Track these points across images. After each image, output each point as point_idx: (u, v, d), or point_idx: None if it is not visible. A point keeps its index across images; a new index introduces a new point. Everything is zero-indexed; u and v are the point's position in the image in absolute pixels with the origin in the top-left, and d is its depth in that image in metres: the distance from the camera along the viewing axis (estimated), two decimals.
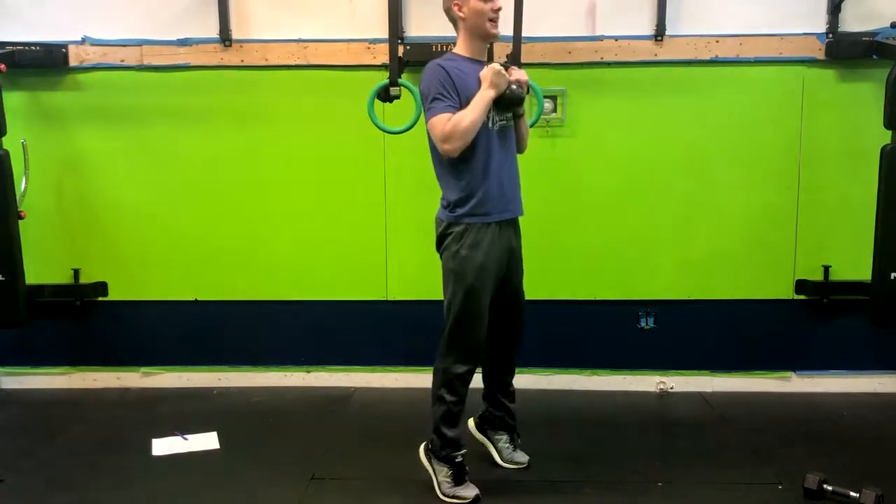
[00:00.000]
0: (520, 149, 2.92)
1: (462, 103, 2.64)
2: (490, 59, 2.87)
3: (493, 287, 2.76)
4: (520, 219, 2.87)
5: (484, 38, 2.75)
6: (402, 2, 3.59)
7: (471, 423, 3.08)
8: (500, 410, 3.03)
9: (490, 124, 2.70)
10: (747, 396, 3.84)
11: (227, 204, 3.84)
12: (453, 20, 2.76)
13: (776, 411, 3.65)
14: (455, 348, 2.74)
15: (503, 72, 2.66)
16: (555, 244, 3.80)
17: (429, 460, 2.84)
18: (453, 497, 2.74)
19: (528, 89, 2.84)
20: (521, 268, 2.93)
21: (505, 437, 3.05)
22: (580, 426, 3.48)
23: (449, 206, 2.73)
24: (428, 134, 2.70)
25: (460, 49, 2.77)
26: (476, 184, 2.69)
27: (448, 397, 2.74)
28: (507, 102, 2.71)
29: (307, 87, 3.74)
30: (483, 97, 2.62)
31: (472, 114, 2.60)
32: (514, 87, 2.70)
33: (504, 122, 2.76)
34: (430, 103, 2.64)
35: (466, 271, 2.68)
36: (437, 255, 2.81)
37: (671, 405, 3.76)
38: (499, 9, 2.70)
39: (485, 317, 2.74)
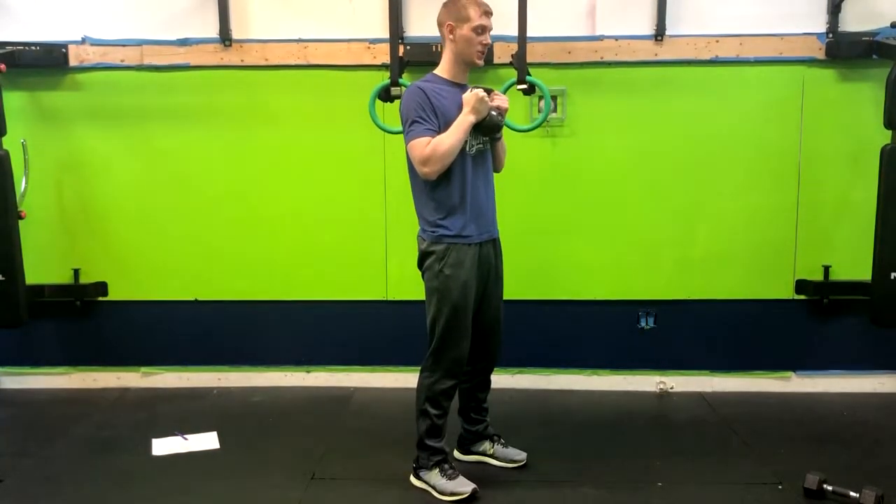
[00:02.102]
0: (497, 168, 2.96)
1: (441, 127, 2.66)
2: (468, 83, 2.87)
3: (475, 304, 2.80)
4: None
5: (468, 64, 2.78)
6: (402, 2, 3.59)
7: (456, 453, 3.09)
8: (475, 425, 3.07)
9: (467, 148, 2.73)
10: (747, 396, 3.83)
11: (227, 204, 3.84)
12: (442, 38, 2.77)
13: (776, 411, 3.65)
14: (440, 365, 2.77)
15: (485, 98, 2.69)
16: (554, 244, 3.80)
17: (418, 477, 2.86)
18: (451, 494, 2.75)
19: (532, 89, 2.84)
20: (501, 286, 2.96)
21: (487, 443, 3.07)
22: (580, 426, 3.48)
23: (429, 226, 2.76)
24: (407, 156, 2.74)
25: (442, 70, 2.79)
26: (454, 207, 2.73)
27: (433, 411, 2.79)
28: (487, 128, 2.75)
29: (307, 87, 3.74)
30: (463, 122, 2.66)
31: (451, 138, 2.64)
32: (493, 113, 2.72)
33: (481, 145, 2.80)
34: (409, 126, 2.67)
35: (451, 289, 2.72)
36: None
37: (671, 405, 3.76)
38: (488, 43, 2.74)
39: (468, 333, 2.79)
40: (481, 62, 2.77)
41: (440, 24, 2.75)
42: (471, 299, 2.77)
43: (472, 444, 3.08)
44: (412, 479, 2.88)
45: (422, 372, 2.82)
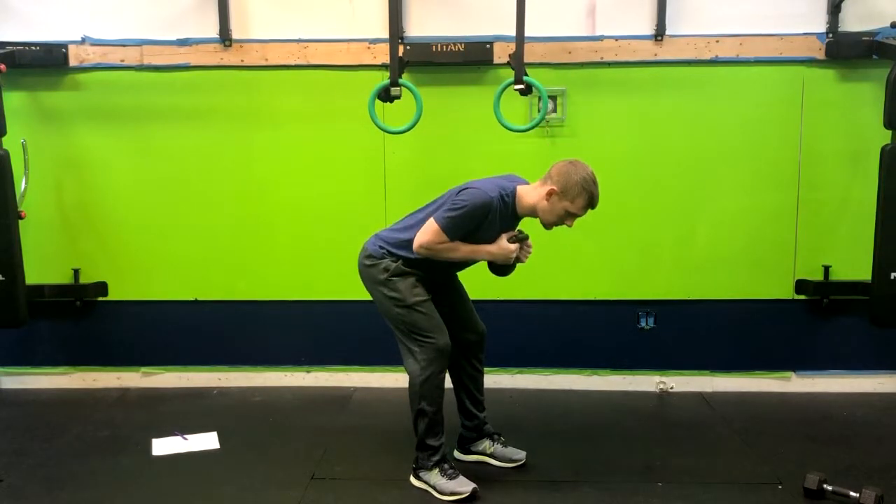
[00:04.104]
0: None
1: (472, 233, 2.67)
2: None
3: (434, 293, 2.83)
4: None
5: (536, 218, 2.78)
6: (402, 2, 3.59)
7: (456, 453, 3.09)
8: (472, 419, 3.07)
9: None
10: (747, 396, 3.83)
11: (226, 204, 3.84)
12: (544, 182, 2.72)
13: (776, 411, 3.65)
14: (426, 361, 2.76)
15: (512, 256, 2.71)
16: (554, 244, 3.78)
17: (418, 478, 2.86)
18: (451, 494, 2.75)
19: (529, 90, 2.84)
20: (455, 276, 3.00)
21: (488, 443, 3.07)
22: (580, 426, 3.48)
23: (387, 249, 2.79)
24: (440, 200, 2.75)
25: (522, 200, 2.73)
26: (429, 269, 2.78)
27: (429, 408, 2.78)
28: (495, 269, 2.83)
29: (307, 87, 3.74)
30: (481, 254, 2.72)
31: (460, 255, 2.71)
32: (511, 263, 2.77)
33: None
34: (451, 214, 2.64)
35: (401, 290, 2.75)
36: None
37: (671, 405, 3.77)
38: (566, 225, 2.75)
39: (439, 321, 2.79)
40: (549, 228, 2.79)
41: (550, 175, 2.70)
42: (424, 295, 2.78)
43: (471, 444, 3.08)
44: (412, 479, 2.88)
45: (411, 379, 2.80)
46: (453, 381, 3.02)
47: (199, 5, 3.71)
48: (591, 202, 2.70)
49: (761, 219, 3.77)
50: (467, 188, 2.68)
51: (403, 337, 2.80)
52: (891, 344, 3.81)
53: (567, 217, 2.71)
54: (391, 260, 2.78)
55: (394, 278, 2.76)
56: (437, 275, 2.85)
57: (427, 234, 2.67)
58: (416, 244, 2.69)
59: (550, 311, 3.86)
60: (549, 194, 2.67)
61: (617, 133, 3.74)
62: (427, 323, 2.75)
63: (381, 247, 2.81)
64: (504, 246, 2.70)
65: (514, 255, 2.72)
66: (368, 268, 2.82)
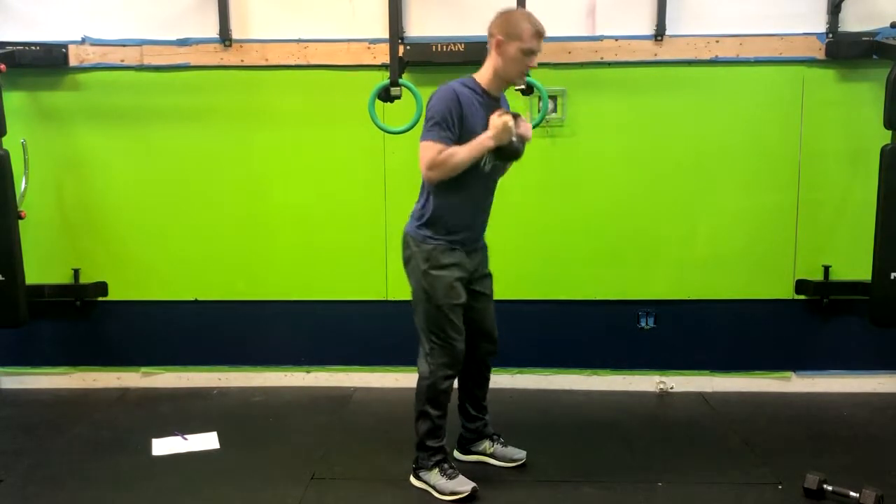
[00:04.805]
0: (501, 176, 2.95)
1: (462, 134, 2.63)
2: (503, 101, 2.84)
3: (465, 299, 2.79)
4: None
5: (507, 82, 2.75)
6: (402, 2, 3.59)
7: (456, 454, 3.09)
8: (474, 422, 3.06)
9: (482, 164, 2.70)
10: (747, 396, 3.83)
11: (227, 204, 3.84)
12: (488, 47, 2.70)
13: (776, 411, 3.65)
14: (438, 366, 2.76)
15: (511, 128, 2.64)
16: (554, 244, 3.80)
17: (418, 478, 2.86)
18: (451, 494, 2.75)
19: (530, 90, 2.83)
20: (490, 282, 2.95)
21: (488, 443, 3.07)
22: (580, 426, 3.48)
23: (419, 225, 2.75)
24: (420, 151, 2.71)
25: (482, 78, 2.72)
26: (453, 217, 2.73)
27: (434, 412, 2.78)
28: (505, 155, 2.72)
29: (307, 87, 3.74)
30: (482, 144, 2.63)
31: (464, 155, 2.61)
32: (515, 140, 2.68)
33: (497, 163, 2.78)
34: (430, 125, 2.63)
35: (437, 289, 2.72)
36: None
37: (671, 405, 3.76)
38: (534, 66, 2.69)
39: (462, 331, 2.78)
40: (522, 83, 2.75)
41: (489, 34, 2.68)
42: (458, 299, 2.75)
43: (471, 444, 3.08)
44: (412, 479, 2.88)
45: (420, 376, 2.81)
46: (459, 385, 3.02)
47: (199, 5, 3.71)
48: (536, 27, 2.63)
49: (761, 219, 3.77)
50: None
51: (422, 333, 2.79)
52: (891, 344, 3.81)
53: (526, 57, 2.64)
54: (429, 243, 2.72)
55: (433, 272, 2.71)
56: (469, 234, 2.78)
57: (423, 154, 2.62)
58: (422, 172, 2.64)
59: (550, 311, 3.85)
60: (498, 45, 2.64)
61: (617, 133, 3.74)
62: (449, 328, 2.74)
63: (416, 227, 2.77)
64: (495, 121, 2.62)
65: (511, 127, 2.63)
66: (408, 256, 2.79)
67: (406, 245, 2.80)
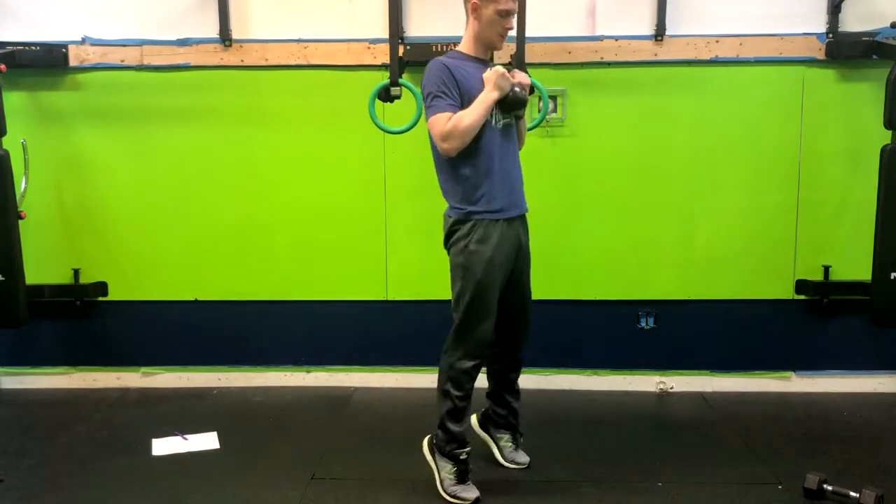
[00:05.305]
0: (518, 145, 2.92)
1: (464, 103, 2.64)
2: (492, 60, 2.87)
3: (502, 282, 2.75)
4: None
5: (488, 46, 2.76)
6: (402, 2, 3.59)
7: (473, 419, 3.07)
8: (504, 408, 3.02)
9: (493, 122, 2.70)
10: (747, 396, 3.84)
11: (226, 204, 3.84)
12: (466, 13, 2.73)
13: (776, 411, 3.65)
14: (463, 343, 2.73)
15: (507, 75, 2.65)
16: (554, 244, 3.80)
17: (432, 455, 2.84)
18: (454, 497, 2.74)
19: (531, 90, 2.84)
20: (529, 264, 2.92)
21: (507, 436, 3.04)
22: (580, 426, 3.48)
23: (456, 202, 2.73)
24: (429, 131, 2.70)
25: (464, 47, 2.77)
26: (482, 182, 2.69)
27: (454, 392, 2.73)
28: (510, 105, 2.71)
29: (307, 87, 3.74)
30: (486, 99, 2.62)
31: (472, 115, 2.60)
32: (517, 89, 2.69)
33: (507, 119, 2.76)
34: (430, 101, 2.64)
35: (475, 266, 2.68)
36: (443, 253, 2.81)
37: (671, 405, 3.77)
38: (511, 27, 2.71)
39: (493, 312, 2.73)
40: (501, 46, 2.74)
41: (465, 1, 2.71)
42: (497, 278, 2.71)
43: (493, 426, 3.04)
44: (425, 447, 2.85)
45: (444, 351, 2.77)
46: (490, 374, 2.99)
47: (199, 5, 3.71)
48: None
49: (761, 219, 3.77)
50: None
51: (453, 310, 2.76)
52: (891, 344, 3.81)
53: (502, 19, 2.66)
54: (470, 218, 2.69)
55: (472, 247, 2.67)
56: (506, 200, 2.73)
57: (433, 129, 2.62)
58: (439, 147, 2.63)
59: (550, 310, 3.85)
60: (474, 10, 2.66)
61: (617, 133, 3.74)
62: (480, 307, 2.69)
63: (454, 205, 2.74)
64: (488, 75, 2.64)
65: (506, 73, 2.64)
66: (449, 233, 2.76)
67: (446, 224, 2.77)
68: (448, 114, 2.60)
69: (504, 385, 3.01)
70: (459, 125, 2.58)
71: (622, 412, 3.65)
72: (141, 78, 3.75)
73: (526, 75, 2.79)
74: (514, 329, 2.91)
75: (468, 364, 2.73)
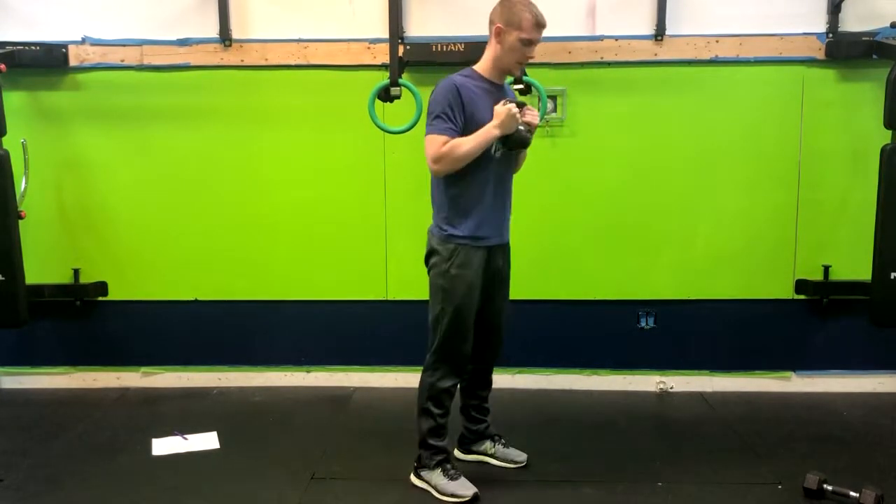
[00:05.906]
0: (514, 169, 2.93)
1: (468, 124, 2.63)
2: (506, 90, 2.83)
3: (479, 305, 2.79)
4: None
5: (504, 72, 2.76)
6: (402, 2, 3.59)
7: (457, 453, 3.08)
8: (476, 424, 3.06)
9: (492, 150, 2.70)
10: (747, 396, 3.83)
11: (227, 204, 3.84)
12: (489, 35, 2.71)
13: (776, 411, 3.65)
14: (443, 364, 2.77)
15: (517, 115, 2.63)
16: (555, 244, 3.80)
17: (419, 477, 2.85)
18: (452, 496, 2.75)
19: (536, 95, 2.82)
20: (507, 289, 2.94)
21: (488, 443, 3.06)
22: (580, 426, 3.48)
23: (442, 223, 2.74)
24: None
25: (481, 68, 2.74)
26: (471, 209, 2.71)
27: (435, 410, 2.78)
28: (513, 144, 2.70)
29: (307, 87, 3.74)
30: (488, 133, 2.62)
31: (470, 145, 2.61)
32: (522, 129, 2.67)
33: (507, 150, 2.76)
34: (432, 119, 2.64)
35: (456, 289, 2.71)
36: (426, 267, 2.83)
37: (671, 405, 3.76)
38: (532, 57, 2.70)
39: (471, 333, 2.79)
40: (518, 74, 2.75)
41: (490, 21, 2.69)
42: (475, 300, 2.76)
43: (472, 444, 3.08)
44: (413, 478, 2.88)
45: (424, 370, 2.82)
46: (463, 386, 3.01)
47: (199, 5, 3.71)
48: (537, 18, 2.63)
49: (761, 219, 3.77)
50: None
51: (432, 330, 2.78)
52: (891, 344, 3.81)
53: (525, 47, 2.65)
54: (451, 241, 2.70)
55: (453, 271, 2.69)
56: (491, 228, 2.74)
57: (428, 148, 2.62)
58: (429, 165, 2.63)
59: (550, 311, 3.86)
60: (497, 34, 2.65)
61: (617, 133, 3.74)
62: (459, 328, 2.73)
63: (439, 225, 2.74)
64: (499, 111, 2.62)
65: (516, 114, 2.62)
66: (430, 253, 2.77)
67: (429, 241, 2.79)
68: (444, 137, 2.60)
69: (474, 400, 3.05)
70: (454, 152, 2.60)
71: (622, 412, 3.65)
72: (141, 78, 3.75)
73: (536, 114, 2.76)
74: (486, 349, 2.94)
75: (448, 383, 2.78)
